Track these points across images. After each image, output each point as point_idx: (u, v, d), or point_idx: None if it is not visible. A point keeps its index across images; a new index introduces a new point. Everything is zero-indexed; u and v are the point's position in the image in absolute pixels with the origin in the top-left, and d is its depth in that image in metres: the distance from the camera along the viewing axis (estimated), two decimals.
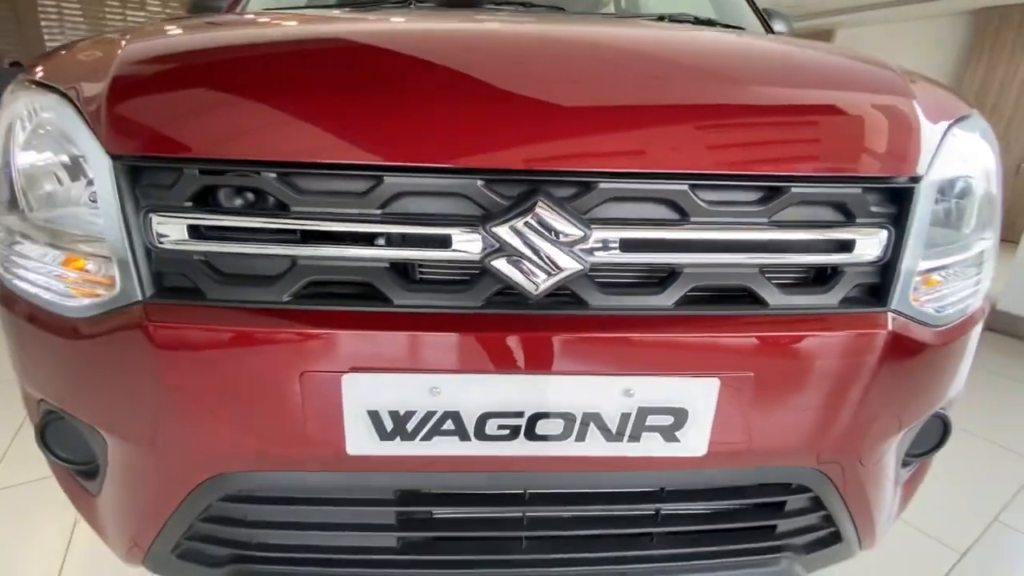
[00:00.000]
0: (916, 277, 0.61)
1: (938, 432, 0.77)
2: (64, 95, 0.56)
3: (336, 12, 1.04)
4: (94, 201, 0.54)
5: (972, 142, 0.66)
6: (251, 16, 0.86)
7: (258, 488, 0.61)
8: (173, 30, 0.67)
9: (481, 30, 0.71)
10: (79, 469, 0.69)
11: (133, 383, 0.56)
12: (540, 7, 1.04)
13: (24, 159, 0.58)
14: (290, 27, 0.71)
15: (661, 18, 1.06)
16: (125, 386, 0.57)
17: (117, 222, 0.53)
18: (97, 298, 0.55)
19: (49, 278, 0.59)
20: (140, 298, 0.53)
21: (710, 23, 1.14)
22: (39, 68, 0.64)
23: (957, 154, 0.63)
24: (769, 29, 1.31)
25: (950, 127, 0.62)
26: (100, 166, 0.53)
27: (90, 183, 0.54)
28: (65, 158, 0.55)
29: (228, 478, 0.58)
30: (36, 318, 0.60)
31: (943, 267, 0.65)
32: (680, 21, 1.07)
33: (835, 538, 0.72)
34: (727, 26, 1.14)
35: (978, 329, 0.73)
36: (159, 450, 0.59)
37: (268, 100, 0.52)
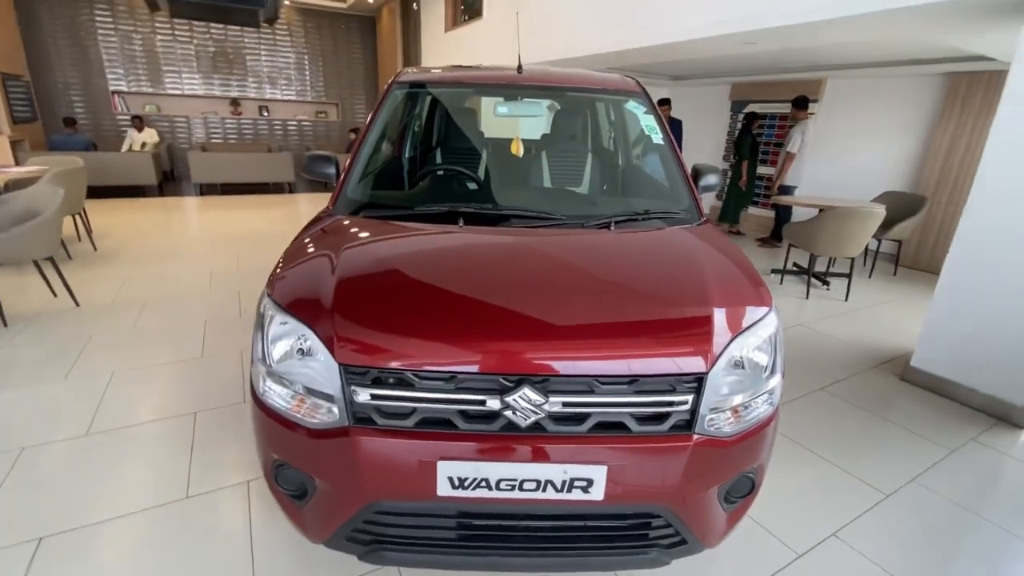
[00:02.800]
0: (711, 414, 1.24)
1: (748, 486, 1.39)
2: (308, 326, 1.23)
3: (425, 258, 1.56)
4: (321, 373, 1.20)
5: (760, 331, 1.29)
6: (380, 264, 1.46)
7: (391, 508, 1.25)
8: (358, 285, 1.33)
9: (499, 303, 1.29)
10: (293, 495, 1.35)
11: (339, 458, 1.22)
12: (542, 219, 1.70)
13: (276, 350, 1.25)
14: (412, 291, 1.34)
15: (607, 224, 1.69)
16: (334, 458, 1.23)
17: (340, 390, 1.19)
18: (328, 420, 1.21)
19: (290, 404, 1.26)
20: (347, 424, 1.19)
21: (646, 214, 1.78)
22: (280, 293, 1.32)
23: (741, 346, 1.26)
24: (696, 203, 1.92)
25: (734, 337, 1.26)
26: (331, 365, 1.19)
27: (321, 366, 1.20)
28: (303, 350, 1.22)
29: (379, 503, 1.24)
30: (282, 420, 1.27)
31: (743, 403, 1.28)
32: (627, 219, 1.73)
33: (683, 542, 1.34)
34: (663, 217, 1.79)
35: (772, 425, 1.36)
36: (346, 488, 1.24)
37: (408, 347, 1.18)
